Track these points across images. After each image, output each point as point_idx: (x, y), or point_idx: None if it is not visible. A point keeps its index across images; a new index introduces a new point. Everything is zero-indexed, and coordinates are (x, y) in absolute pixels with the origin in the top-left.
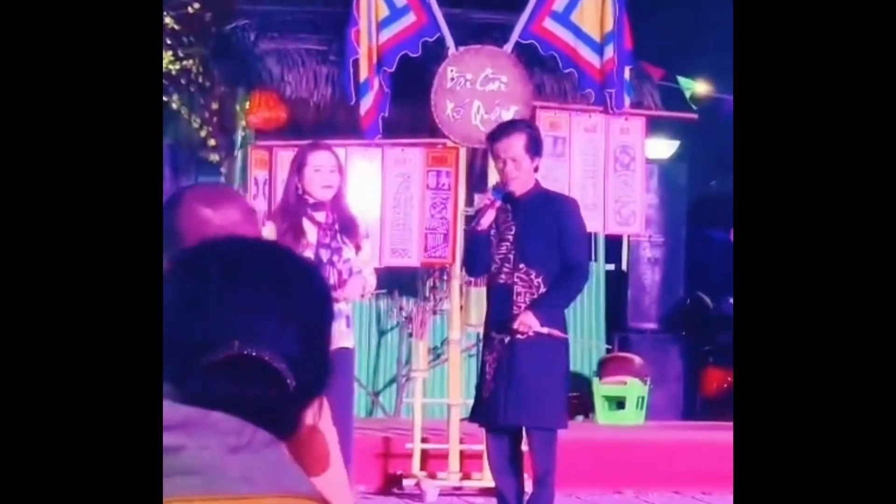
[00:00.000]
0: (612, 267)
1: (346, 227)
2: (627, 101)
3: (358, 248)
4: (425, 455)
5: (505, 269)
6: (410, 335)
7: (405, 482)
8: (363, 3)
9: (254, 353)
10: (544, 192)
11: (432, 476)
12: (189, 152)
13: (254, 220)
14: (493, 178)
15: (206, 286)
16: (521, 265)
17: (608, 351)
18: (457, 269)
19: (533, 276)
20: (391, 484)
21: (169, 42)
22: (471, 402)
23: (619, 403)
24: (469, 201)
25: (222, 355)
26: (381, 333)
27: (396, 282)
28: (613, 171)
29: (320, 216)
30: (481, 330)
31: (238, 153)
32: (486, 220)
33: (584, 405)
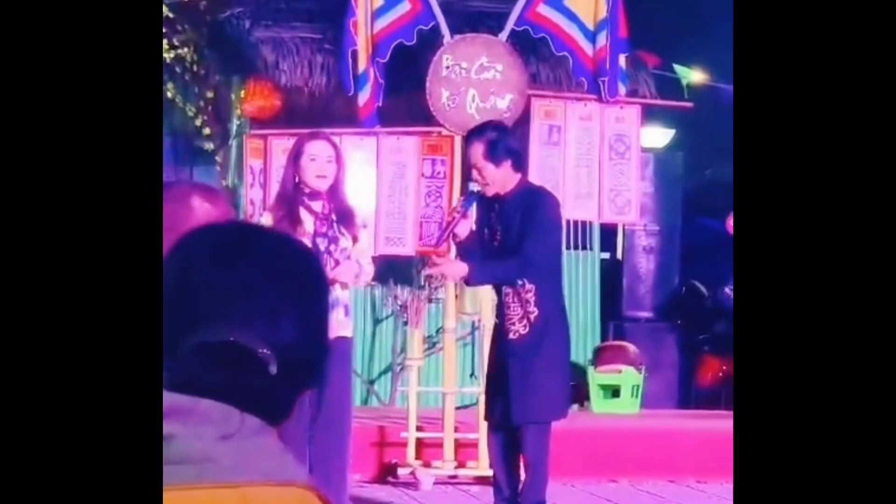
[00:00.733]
0: (607, 256)
1: (343, 217)
2: (622, 89)
3: (355, 238)
4: (420, 444)
5: None
6: (405, 324)
7: (400, 471)
8: None
9: (231, 339)
10: (527, 188)
11: (427, 465)
12: (184, 141)
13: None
14: None
15: (200, 271)
16: None
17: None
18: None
19: None
20: (386, 473)
21: (164, 30)
22: (465, 390)
23: (614, 392)
24: (464, 189)
25: (198, 341)
26: (377, 322)
27: (391, 270)
28: (608, 159)
29: (317, 206)
30: (476, 318)
31: (233, 142)
32: (462, 229)
33: (579, 394)
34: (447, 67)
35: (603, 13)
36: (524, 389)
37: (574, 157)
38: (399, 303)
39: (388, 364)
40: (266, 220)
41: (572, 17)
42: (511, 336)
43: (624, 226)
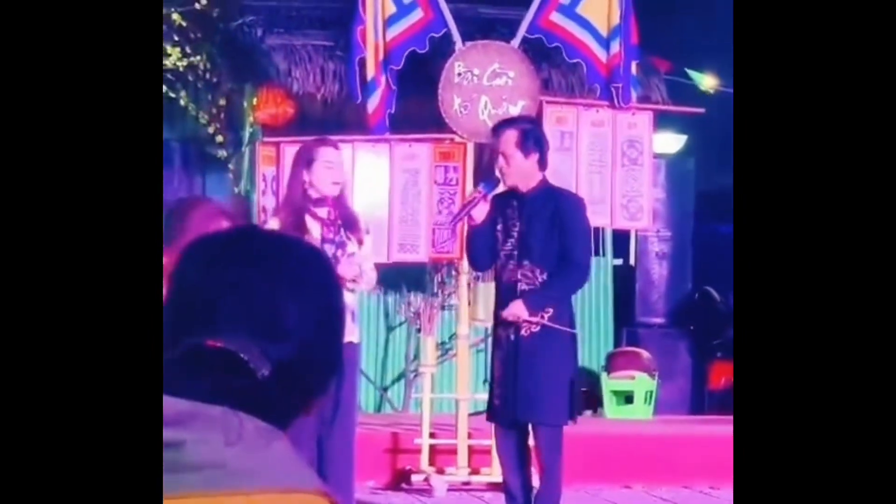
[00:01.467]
0: (619, 262)
1: (348, 222)
2: (634, 95)
3: (360, 242)
4: (434, 450)
5: (510, 266)
6: (419, 330)
7: (414, 477)
8: (370, 1)
9: (219, 345)
10: (550, 188)
11: (441, 471)
12: (196, 148)
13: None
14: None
15: (208, 275)
16: (525, 262)
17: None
18: (465, 265)
19: (537, 273)
20: (400, 479)
21: (176, 39)
22: (479, 396)
23: (628, 398)
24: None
25: (186, 348)
26: (390, 329)
27: (404, 277)
28: (621, 165)
29: (322, 212)
30: (489, 325)
31: (245, 149)
32: (478, 213)
33: (592, 400)
34: (459, 74)
35: (616, 20)
36: (535, 388)
37: (586, 163)
38: (412, 309)
39: (402, 371)
40: (273, 224)
41: (585, 24)
42: (523, 332)
43: (636, 232)
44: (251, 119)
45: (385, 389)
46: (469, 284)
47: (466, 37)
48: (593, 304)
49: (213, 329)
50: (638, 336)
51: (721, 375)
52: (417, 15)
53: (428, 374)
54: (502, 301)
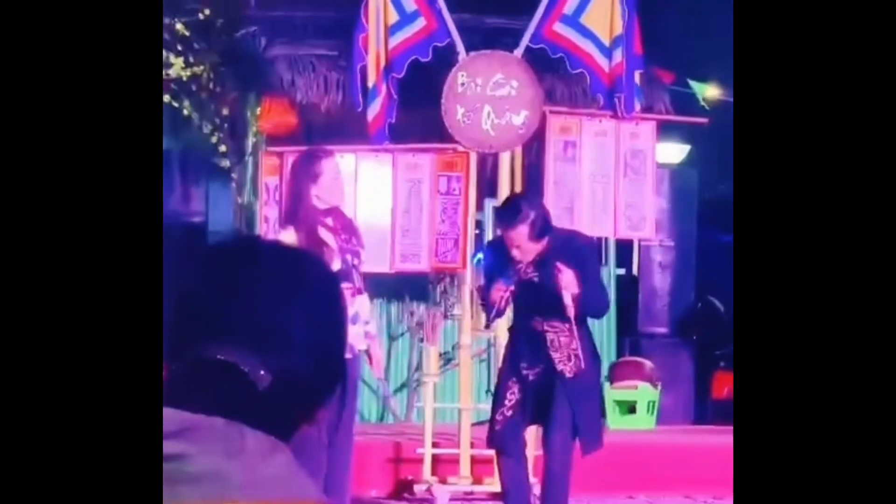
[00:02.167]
0: (622, 271)
1: (349, 230)
2: (637, 105)
3: (363, 247)
4: (436, 460)
5: (536, 319)
6: (421, 340)
7: (416, 487)
8: (372, 9)
9: (219, 357)
10: (557, 233)
11: (443, 481)
12: (200, 158)
13: None
14: (503, 184)
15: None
16: (552, 317)
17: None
18: (467, 275)
19: (562, 322)
20: (402, 489)
21: (179, 48)
22: (481, 406)
23: (630, 408)
24: (479, 206)
25: (188, 360)
26: (392, 338)
27: (407, 287)
28: (624, 175)
29: (329, 221)
30: (492, 335)
31: (249, 159)
32: (505, 304)
33: None
34: (462, 84)
35: (618, 30)
36: (591, 419)
37: (589, 173)
38: (415, 319)
39: (405, 380)
40: (289, 237)
41: (588, 34)
42: (568, 374)
43: (639, 241)
44: (254, 129)
45: (387, 399)
46: (472, 294)
47: (470, 47)
48: None
49: (215, 340)
50: (641, 346)
51: (724, 385)
52: (420, 24)
53: (431, 384)
54: (528, 346)
